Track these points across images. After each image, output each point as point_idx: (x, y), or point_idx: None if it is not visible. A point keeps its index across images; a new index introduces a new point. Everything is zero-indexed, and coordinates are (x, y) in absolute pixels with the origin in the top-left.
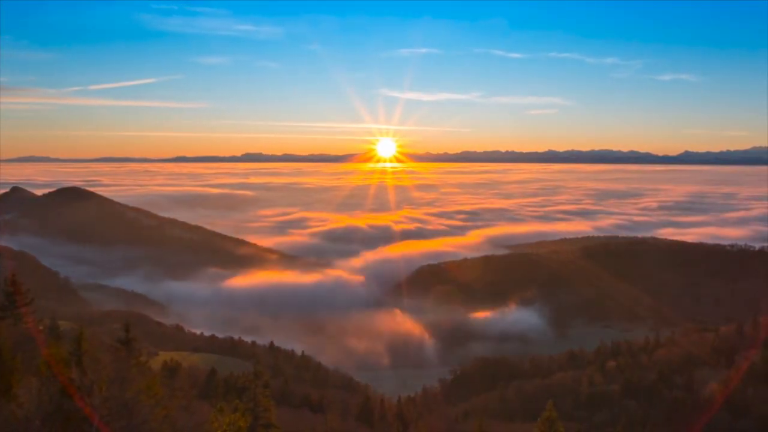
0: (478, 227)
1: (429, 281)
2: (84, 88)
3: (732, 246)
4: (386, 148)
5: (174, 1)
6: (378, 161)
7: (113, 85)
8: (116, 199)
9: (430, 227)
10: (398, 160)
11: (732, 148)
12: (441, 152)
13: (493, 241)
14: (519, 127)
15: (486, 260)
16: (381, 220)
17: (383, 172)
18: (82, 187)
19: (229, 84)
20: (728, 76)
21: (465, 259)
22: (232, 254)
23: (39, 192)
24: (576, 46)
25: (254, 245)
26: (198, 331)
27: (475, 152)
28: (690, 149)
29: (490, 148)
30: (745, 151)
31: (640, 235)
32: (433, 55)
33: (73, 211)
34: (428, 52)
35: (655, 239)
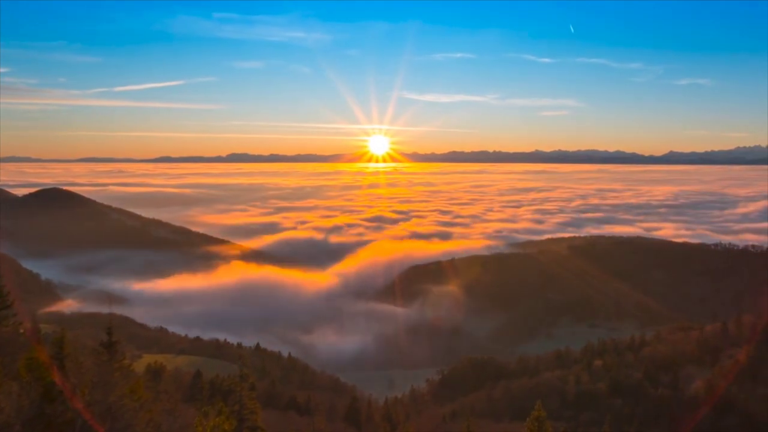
0: (462, 228)
1: (416, 281)
2: (109, 89)
3: (716, 245)
4: (375, 149)
5: (235, 10)
6: (368, 161)
7: (139, 87)
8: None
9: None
10: (387, 160)
11: (716, 149)
12: (428, 152)
13: (482, 240)
14: (521, 128)
15: (474, 260)
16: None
17: (363, 172)
18: (63, 188)
19: (252, 87)
20: (731, 80)
21: (453, 260)
22: (220, 255)
23: (19, 192)
24: (604, 52)
25: (239, 246)
26: (183, 333)
27: (462, 152)
28: (675, 149)
29: (478, 148)
30: (729, 152)
31: (625, 234)
32: (466, 59)
33: (54, 212)
34: (462, 56)
35: (640, 239)
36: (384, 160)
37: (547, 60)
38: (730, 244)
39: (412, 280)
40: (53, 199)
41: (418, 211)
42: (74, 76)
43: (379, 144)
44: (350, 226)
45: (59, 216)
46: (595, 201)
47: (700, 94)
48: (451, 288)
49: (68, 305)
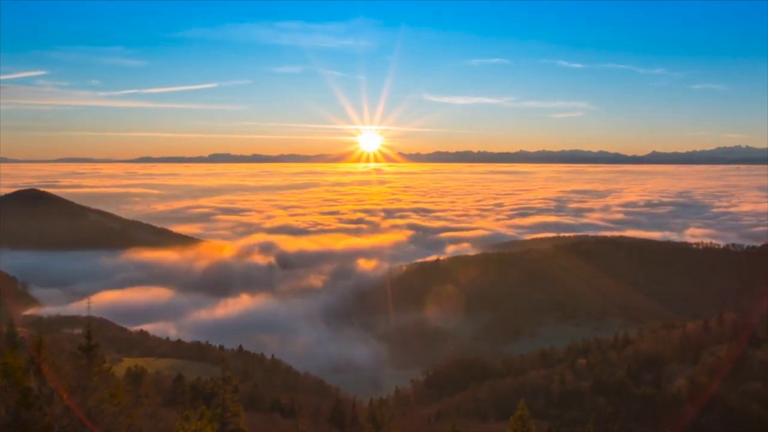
0: (445, 228)
1: (400, 282)
2: (138, 91)
3: (698, 244)
4: (362, 149)
5: (300, 18)
6: (356, 161)
7: (168, 89)
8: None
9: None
10: (379, 160)
11: (698, 149)
12: (413, 152)
13: (464, 241)
14: (515, 129)
15: (458, 260)
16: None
17: (352, 171)
18: (39, 189)
19: (276, 90)
20: (729, 83)
21: (437, 260)
22: (205, 257)
23: None
24: (632, 59)
25: (218, 247)
26: (164, 336)
27: (447, 152)
28: (657, 149)
29: (463, 148)
30: (711, 152)
31: (609, 234)
32: (501, 64)
33: (32, 213)
34: (498, 61)
35: (624, 238)
36: (375, 160)
37: (578, 65)
38: (711, 242)
39: (396, 280)
40: (30, 200)
41: (397, 210)
42: (110, 79)
43: (366, 144)
44: (328, 225)
45: (37, 217)
46: (580, 200)
47: (709, 99)
48: (436, 288)
49: (46, 308)
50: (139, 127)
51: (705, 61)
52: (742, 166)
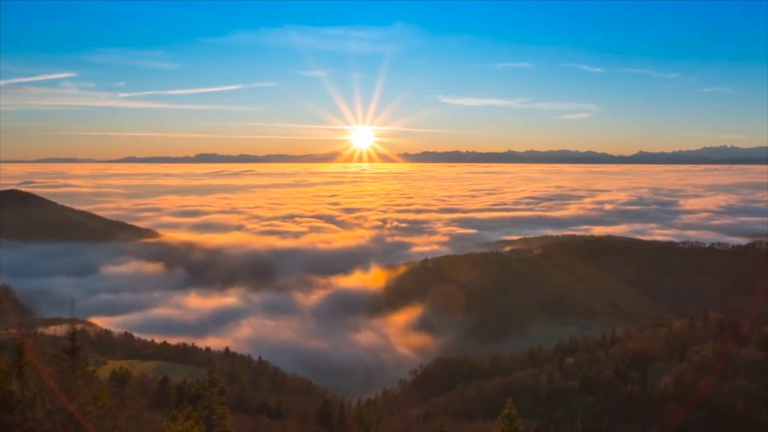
0: (435, 228)
1: (389, 282)
2: (161, 92)
3: (684, 243)
4: (349, 149)
5: (342, 24)
6: (346, 160)
7: (191, 91)
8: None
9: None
10: (368, 159)
11: (684, 149)
12: (402, 152)
13: (454, 240)
14: (523, 130)
15: (447, 261)
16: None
17: (346, 171)
18: (21, 189)
19: (298, 92)
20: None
21: (425, 260)
22: (195, 260)
23: None
24: (650, 63)
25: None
26: (149, 338)
27: (435, 152)
28: (644, 149)
29: (451, 149)
30: (697, 151)
31: (597, 234)
32: (524, 68)
33: (13, 214)
34: (522, 65)
35: (611, 237)
36: (369, 159)
37: (598, 70)
38: (696, 242)
39: (384, 281)
40: (13, 200)
41: (383, 209)
42: (137, 81)
43: (358, 143)
44: (307, 226)
45: (19, 218)
46: (568, 200)
47: (713, 101)
48: (425, 288)
49: (28, 311)
50: (144, 127)
51: (716, 64)
52: (725, 166)
